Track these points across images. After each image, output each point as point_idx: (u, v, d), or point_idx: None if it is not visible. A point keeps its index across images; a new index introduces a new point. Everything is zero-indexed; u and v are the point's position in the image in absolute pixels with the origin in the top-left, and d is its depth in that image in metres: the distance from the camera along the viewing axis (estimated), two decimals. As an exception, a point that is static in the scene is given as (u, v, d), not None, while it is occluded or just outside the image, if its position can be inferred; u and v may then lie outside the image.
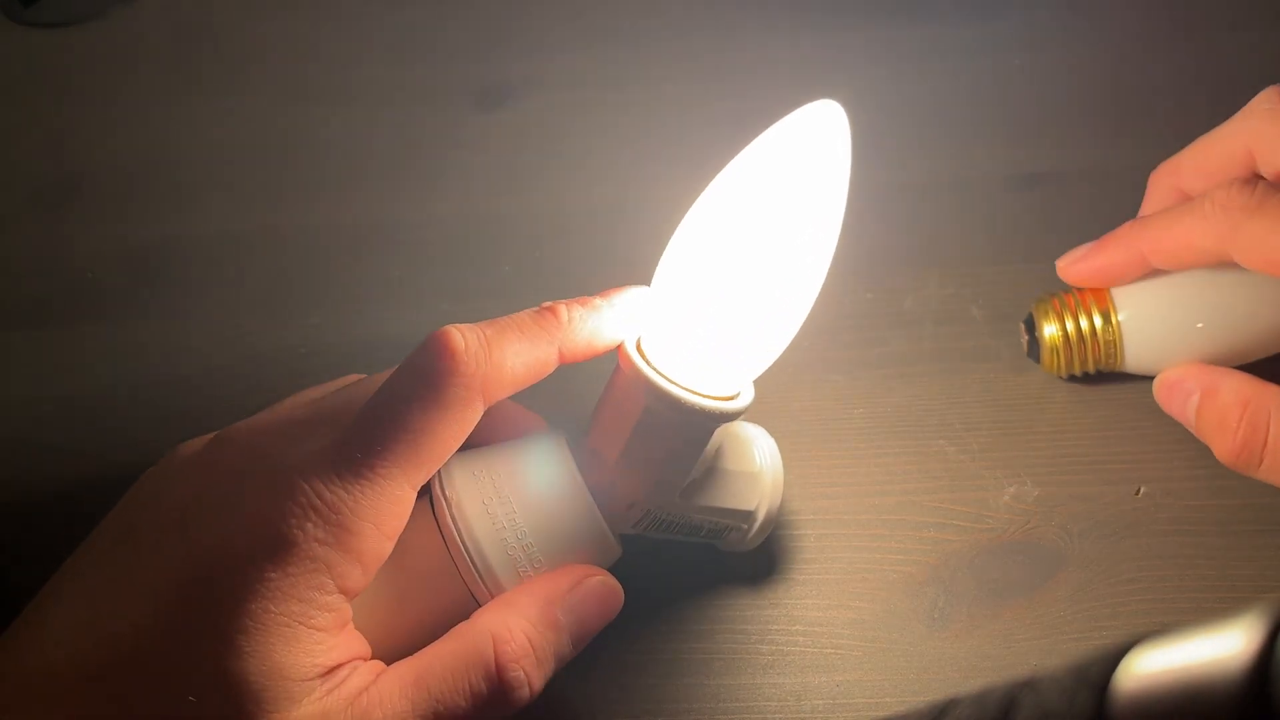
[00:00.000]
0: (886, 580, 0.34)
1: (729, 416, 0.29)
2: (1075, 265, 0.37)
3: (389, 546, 0.27)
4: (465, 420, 0.28)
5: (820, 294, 0.30)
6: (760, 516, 0.32)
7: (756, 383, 0.31)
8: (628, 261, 0.43)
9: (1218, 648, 0.17)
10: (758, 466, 0.32)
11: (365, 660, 0.28)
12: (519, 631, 0.28)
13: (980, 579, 0.34)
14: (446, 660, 0.28)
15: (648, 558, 0.33)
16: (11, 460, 0.40)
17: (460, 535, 0.29)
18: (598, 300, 0.30)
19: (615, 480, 0.30)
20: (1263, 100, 0.35)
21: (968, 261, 0.42)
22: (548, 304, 0.30)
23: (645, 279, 0.31)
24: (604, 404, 0.30)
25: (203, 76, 0.52)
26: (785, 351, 0.40)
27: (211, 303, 0.43)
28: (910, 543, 0.35)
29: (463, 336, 0.28)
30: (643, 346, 0.29)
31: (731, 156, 0.30)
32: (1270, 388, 0.33)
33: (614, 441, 0.29)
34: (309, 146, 0.49)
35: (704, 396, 0.29)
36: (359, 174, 0.47)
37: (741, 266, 0.28)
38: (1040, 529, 0.35)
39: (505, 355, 0.28)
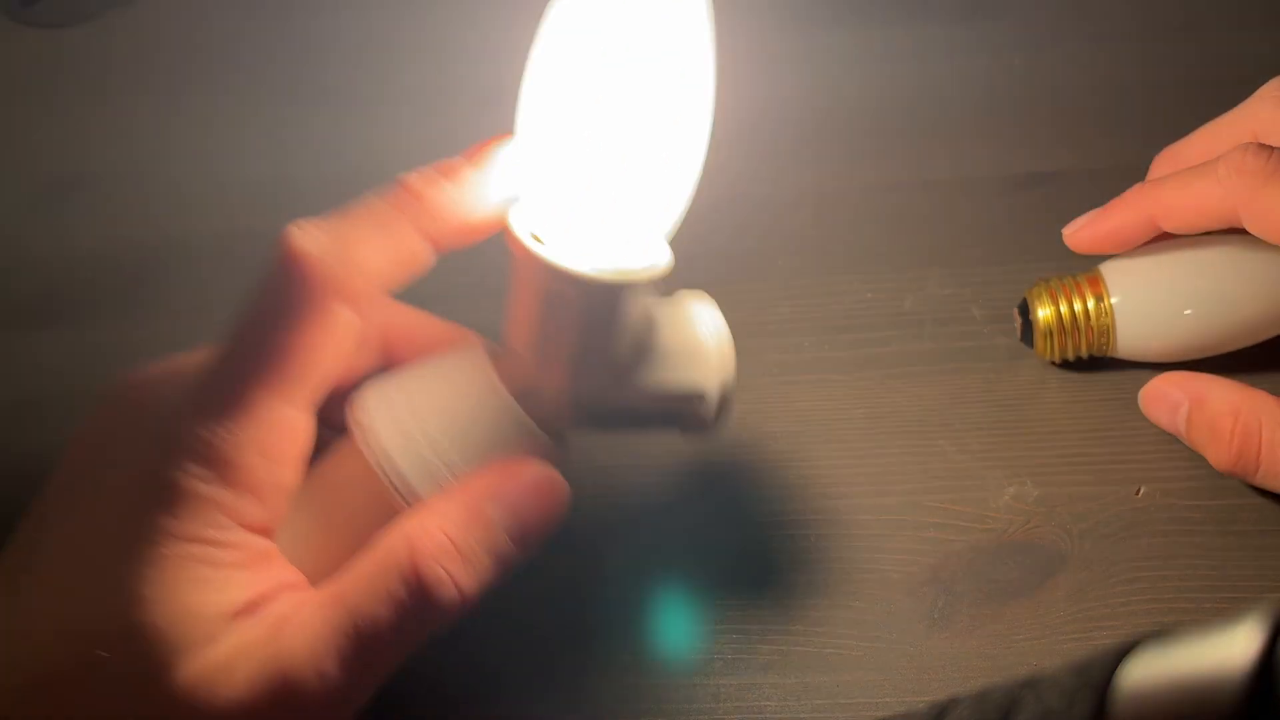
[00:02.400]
0: (886, 580, 0.34)
1: (638, 284, 0.27)
2: (1081, 231, 0.36)
3: (288, 473, 0.26)
4: (330, 328, 0.26)
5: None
6: (713, 393, 0.30)
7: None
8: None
9: (1218, 648, 0.17)
10: (699, 340, 0.30)
11: (299, 590, 0.27)
12: (436, 529, 0.26)
13: (980, 579, 0.34)
14: (364, 571, 0.26)
15: (646, 558, 0.33)
16: (11, 460, 0.40)
17: (376, 457, 0.27)
18: (463, 166, 0.27)
19: (535, 375, 0.28)
20: (1270, 89, 0.35)
21: (968, 261, 0.42)
22: (403, 177, 0.27)
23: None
24: (510, 295, 0.28)
25: (202, 76, 0.52)
26: (785, 352, 0.40)
27: (211, 303, 0.43)
28: (910, 543, 0.35)
29: (305, 234, 0.26)
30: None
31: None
32: (1259, 394, 0.34)
33: (524, 333, 0.28)
34: (308, 147, 0.49)
35: (606, 268, 0.26)
36: (358, 174, 0.47)
37: (609, 106, 0.25)
38: (1040, 529, 0.35)
39: (360, 249, 0.26)
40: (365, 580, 0.26)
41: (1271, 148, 0.32)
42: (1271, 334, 0.36)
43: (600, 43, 0.25)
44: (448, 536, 0.26)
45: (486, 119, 0.51)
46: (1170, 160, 0.37)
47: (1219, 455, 0.34)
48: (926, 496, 0.36)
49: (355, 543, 0.28)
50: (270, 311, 0.26)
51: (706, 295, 0.31)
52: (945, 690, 0.31)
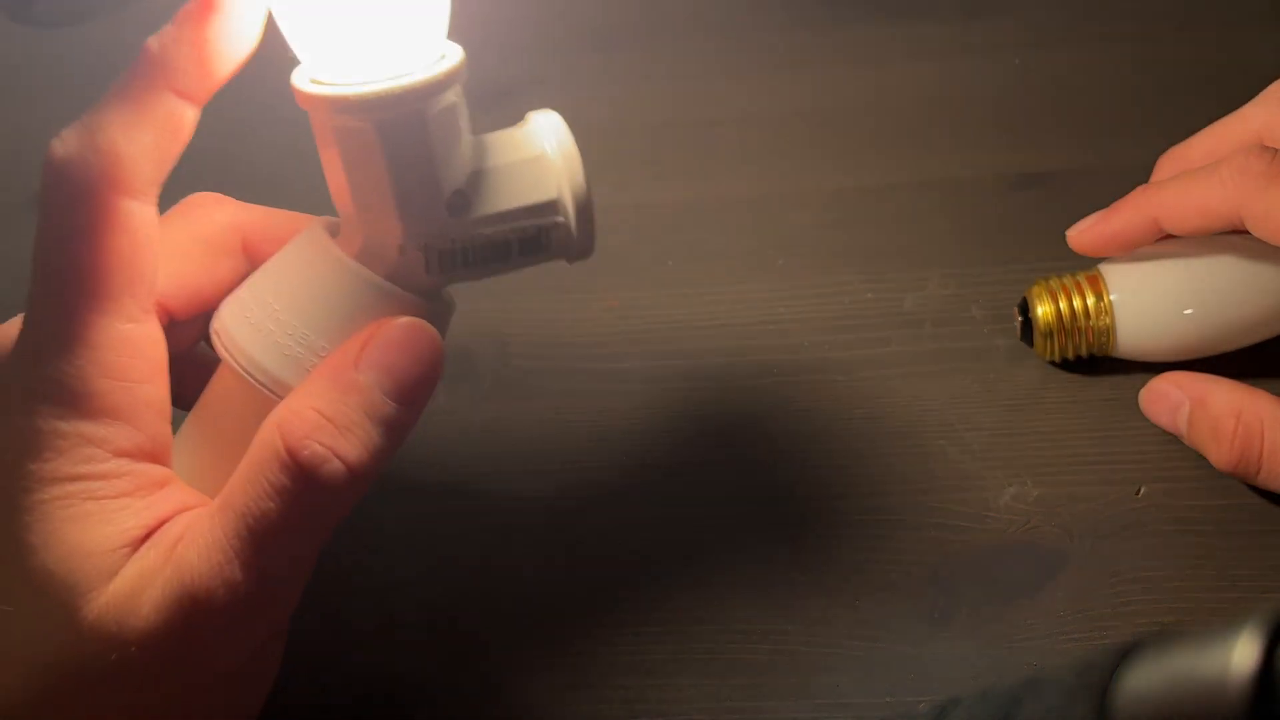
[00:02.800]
0: (887, 580, 0.34)
1: (422, 91, 0.25)
2: (1086, 233, 0.37)
3: (150, 390, 0.26)
4: (121, 225, 0.25)
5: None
6: (565, 201, 0.28)
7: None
8: (627, 261, 0.43)
9: (1219, 649, 0.17)
10: (537, 149, 0.28)
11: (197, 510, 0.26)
12: (305, 408, 0.25)
13: (980, 579, 0.34)
14: (243, 472, 0.25)
15: (647, 559, 0.33)
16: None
17: (235, 358, 0.27)
18: (199, 10, 0.26)
19: (368, 231, 0.26)
20: (1274, 90, 0.36)
21: (968, 261, 0.42)
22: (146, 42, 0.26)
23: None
24: (323, 162, 0.27)
25: (202, 76, 0.52)
26: (785, 352, 0.40)
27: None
28: (910, 543, 0.35)
29: (58, 141, 0.25)
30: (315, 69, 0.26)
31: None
32: (1261, 395, 0.34)
33: (345, 193, 0.26)
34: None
35: (385, 83, 0.25)
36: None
37: None
38: (1040, 529, 0.35)
39: (113, 130, 0.25)
40: (247, 479, 0.25)
41: (1274, 150, 0.32)
42: (1271, 334, 0.36)
43: None
44: (318, 412, 0.25)
45: (486, 117, 0.51)
46: (1175, 161, 0.37)
47: (1220, 456, 0.34)
48: (926, 496, 0.36)
49: (243, 451, 0.27)
50: (55, 231, 0.25)
51: (551, 110, 0.29)
52: (945, 690, 0.31)
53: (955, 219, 0.43)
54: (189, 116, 0.26)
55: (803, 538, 0.35)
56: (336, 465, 0.25)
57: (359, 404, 0.25)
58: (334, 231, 0.28)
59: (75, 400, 0.25)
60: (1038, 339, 0.37)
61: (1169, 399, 0.35)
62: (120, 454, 0.25)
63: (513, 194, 0.27)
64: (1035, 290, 0.37)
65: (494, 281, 0.43)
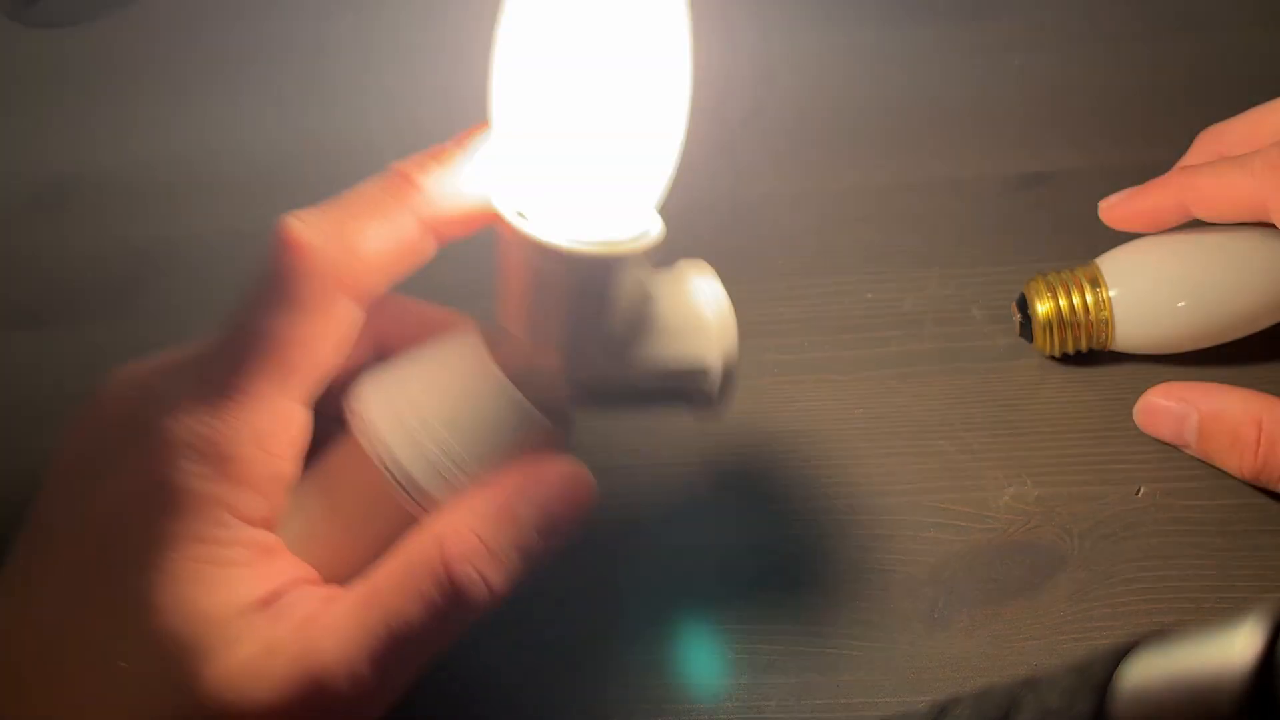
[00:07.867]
0: (886, 580, 0.34)
1: (627, 257, 0.26)
2: (1117, 208, 0.37)
3: (286, 466, 0.26)
4: (332, 320, 0.26)
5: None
6: (715, 367, 0.29)
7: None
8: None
9: (1218, 648, 0.17)
10: (698, 313, 0.29)
11: (312, 584, 0.27)
12: (467, 529, 0.26)
13: (980, 579, 0.34)
14: (395, 572, 0.26)
15: (649, 557, 0.33)
16: (11, 460, 0.40)
17: (377, 452, 0.27)
18: (450, 149, 0.27)
19: (531, 357, 0.27)
20: None
21: (968, 261, 0.42)
22: (395, 164, 0.27)
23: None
24: (500, 276, 0.28)
25: (202, 77, 0.52)
26: (785, 352, 0.40)
27: (211, 303, 0.43)
28: (910, 543, 0.35)
29: (303, 223, 0.25)
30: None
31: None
32: (1273, 400, 0.34)
33: (517, 314, 0.27)
34: (308, 147, 0.49)
35: (592, 241, 0.26)
36: (359, 175, 0.47)
37: (583, 80, 0.25)
38: (1040, 529, 0.35)
39: (359, 237, 0.26)
40: (396, 581, 0.26)
41: None
42: (1268, 323, 0.36)
43: (568, 14, 0.25)
44: (478, 536, 0.26)
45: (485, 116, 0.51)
46: (1212, 139, 0.38)
47: (1244, 464, 0.34)
48: (926, 496, 0.36)
49: (364, 535, 0.28)
50: (269, 303, 0.25)
51: (706, 265, 0.31)
52: (945, 690, 0.31)
53: (955, 219, 0.43)
54: (426, 247, 0.27)
55: (803, 538, 0.35)
56: (483, 590, 0.26)
57: (514, 536, 0.26)
58: (486, 336, 0.28)
59: (222, 462, 0.25)
60: (1037, 333, 0.37)
61: (1170, 412, 0.35)
62: (245, 520, 0.25)
63: (668, 350, 0.28)
64: (1033, 285, 0.37)
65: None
